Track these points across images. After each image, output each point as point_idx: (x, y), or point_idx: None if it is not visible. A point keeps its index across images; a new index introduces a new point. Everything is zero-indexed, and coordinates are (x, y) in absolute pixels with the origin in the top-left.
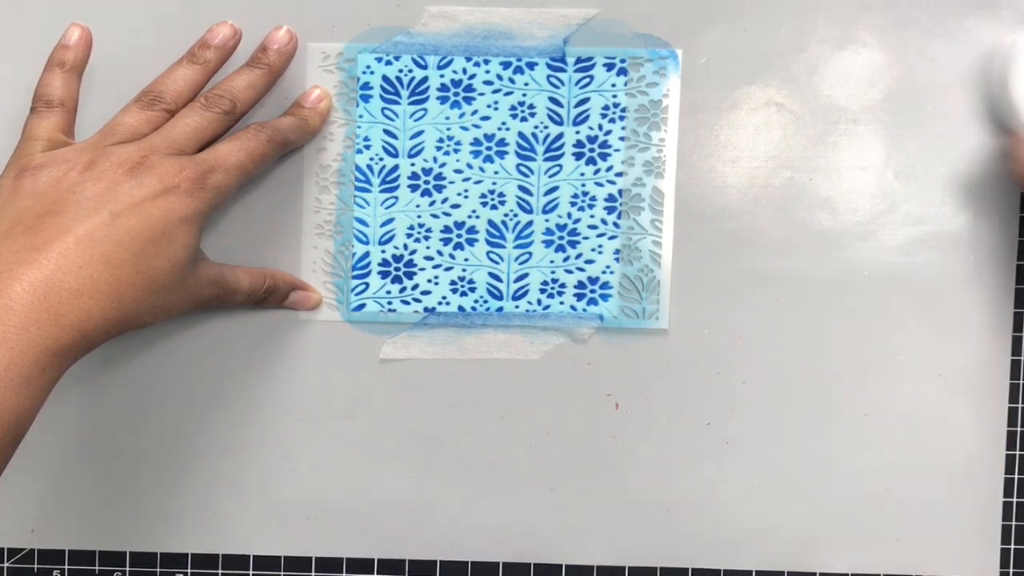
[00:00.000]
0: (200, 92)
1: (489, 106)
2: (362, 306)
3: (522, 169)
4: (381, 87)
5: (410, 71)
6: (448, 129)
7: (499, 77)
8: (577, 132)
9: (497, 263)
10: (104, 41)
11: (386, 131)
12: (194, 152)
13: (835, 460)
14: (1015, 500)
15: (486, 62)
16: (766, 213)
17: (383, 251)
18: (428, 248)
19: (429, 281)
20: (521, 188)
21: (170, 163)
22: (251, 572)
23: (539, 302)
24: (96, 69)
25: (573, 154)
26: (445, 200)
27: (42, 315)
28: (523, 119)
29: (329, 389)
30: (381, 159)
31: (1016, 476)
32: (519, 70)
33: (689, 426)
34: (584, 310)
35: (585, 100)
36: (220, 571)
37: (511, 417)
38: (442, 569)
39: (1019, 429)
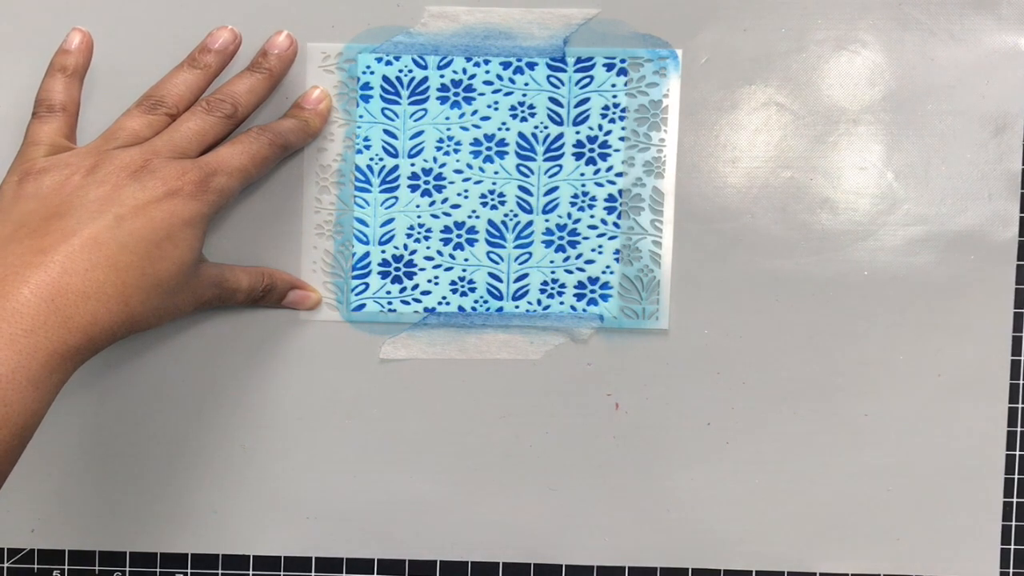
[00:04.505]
0: (201, 96)
1: (489, 106)
2: (362, 306)
3: (522, 169)
4: (381, 87)
5: (410, 71)
6: (448, 129)
7: (499, 77)
8: (577, 132)
9: (497, 263)
10: (105, 46)
11: (386, 131)
12: (196, 156)
13: (835, 460)
14: (1015, 500)
15: (486, 62)
16: (766, 213)
17: (383, 251)
18: (428, 248)
19: (429, 281)
20: (521, 188)
21: (173, 166)
22: (251, 572)
23: (539, 302)
24: (97, 73)
25: (573, 154)
26: (445, 200)
27: (50, 318)
28: (523, 119)
29: (329, 389)
30: (381, 159)
31: (1016, 476)
32: (519, 70)
33: (689, 426)
34: (584, 310)
35: (585, 100)
36: (220, 571)
37: (511, 417)
38: (442, 569)
39: (1019, 429)
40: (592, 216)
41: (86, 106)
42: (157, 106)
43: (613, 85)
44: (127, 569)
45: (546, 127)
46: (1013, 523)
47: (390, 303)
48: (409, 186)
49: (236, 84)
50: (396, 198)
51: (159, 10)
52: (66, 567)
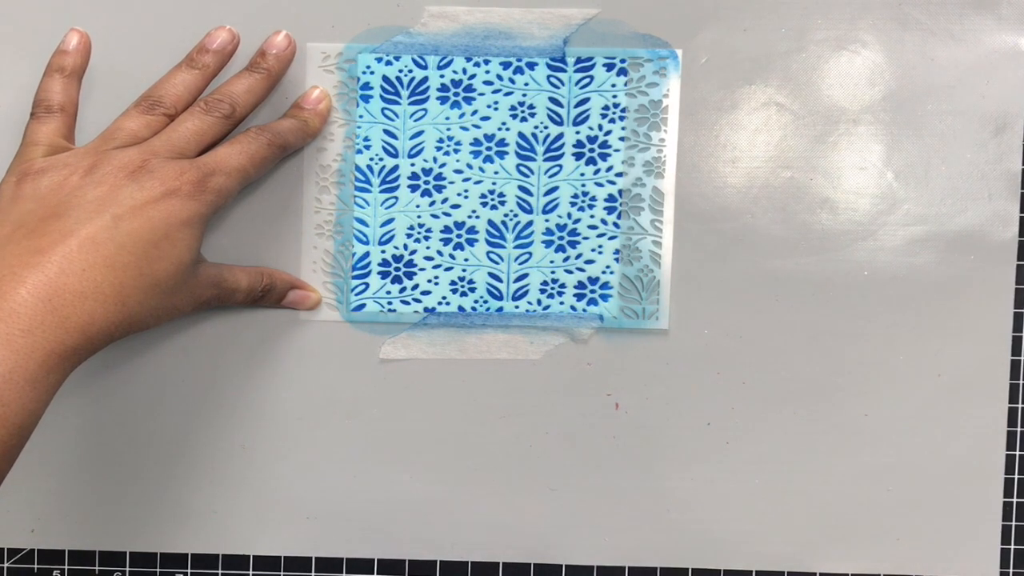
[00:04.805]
0: (199, 96)
1: (489, 106)
2: (362, 306)
3: (522, 169)
4: (381, 87)
5: (410, 71)
6: (448, 129)
7: (499, 77)
8: (577, 132)
9: (497, 263)
10: (103, 46)
11: (386, 131)
12: (194, 156)
13: (835, 460)
14: (1015, 500)
15: (486, 62)
16: (766, 213)
17: (383, 251)
18: (428, 248)
19: (429, 281)
20: (521, 188)
21: (171, 166)
22: (251, 572)
23: (539, 302)
24: (95, 74)
25: (573, 154)
26: (445, 200)
27: (47, 318)
28: (523, 119)
29: (329, 389)
30: (381, 159)
31: (1016, 476)
32: (519, 70)
33: (689, 426)
34: (584, 310)
35: (585, 100)
36: (220, 571)
37: (511, 417)
38: (442, 569)
39: (1019, 429)
40: (592, 216)
41: (84, 106)
42: (155, 106)
43: (613, 85)
44: (127, 569)
45: (546, 127)
46: (1013, 523)
47: (390, 303)
48: (409, 186)
49: (234, 84)
50: (396, 198)
51: (157, 10)
52: (66, 567)
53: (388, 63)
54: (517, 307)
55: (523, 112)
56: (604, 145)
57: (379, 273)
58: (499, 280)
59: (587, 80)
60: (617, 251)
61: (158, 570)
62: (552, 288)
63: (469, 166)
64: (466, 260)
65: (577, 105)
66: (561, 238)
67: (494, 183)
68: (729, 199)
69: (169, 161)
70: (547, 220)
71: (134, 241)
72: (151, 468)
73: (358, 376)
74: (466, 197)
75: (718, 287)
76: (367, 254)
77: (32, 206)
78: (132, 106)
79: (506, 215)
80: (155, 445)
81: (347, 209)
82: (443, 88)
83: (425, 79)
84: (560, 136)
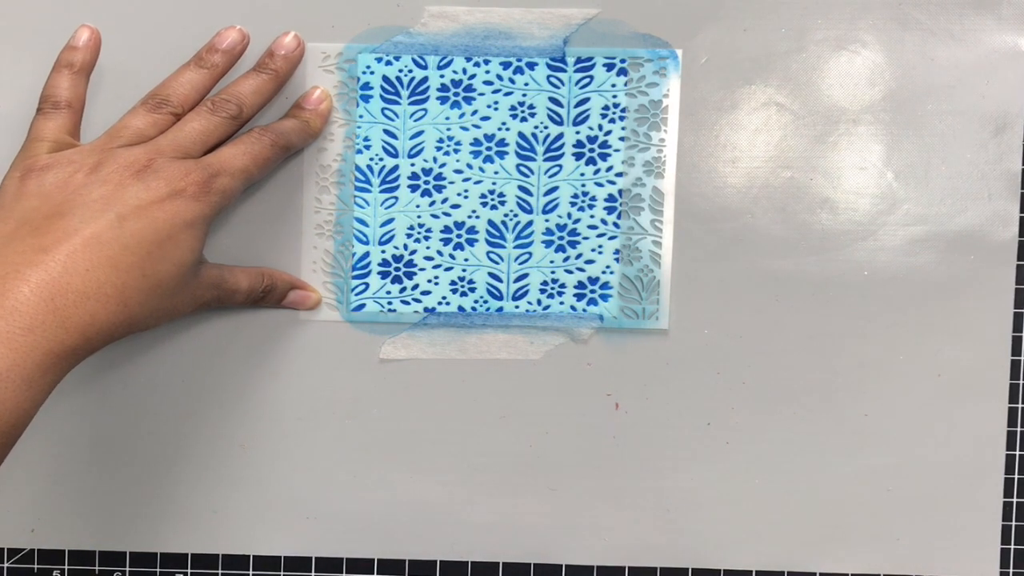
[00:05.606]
0: (207, 96)
1: (489, 106)
2: (362, 306)
3: (522, 169)
4: (381, 87)
5: (410, 71)
6: (448, 129)
7: (499, 77)
8: (577, 132)
9: (497, 263)
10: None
11: (386, 131)
12: (199, 156)
13: (835, 460)
14: (1015, 500)
15: (486, 62)
16: (766, 213)
17: (383, 251)
18: (428, 248)
19: (429, 281)
20: (521, 188)
21: (176, 167)
22: (251, 572)
23: (539, 302)
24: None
25: (573, 154)
26: (445, 200)
27: (48, 317)
28: (523, 119)
29: (329, 389)
30: (381, 159)
31: (1016, 476)
32: (519, 70)
33: (689, 426)
34: (584, 310)
35: (585, 100)
36: (220, 571)
37: (511, 417)
38: (442, 569)
39: (1019, 429)
40: (592, 216)
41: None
42: (162, 105)
43: (613, 85)
44: (127, 569)
45: (546, 127)
46: (1013, 523)
47: (390, 303)
48: (409, 186)
49: (242, 85)
50: (396, 198)
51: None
52: (66, 567)
53: (388, 63)
54: (517, 307)
55: (523, 112)
56: (604, 145)
57: (379, 273)
58: (499, 280)
59: (587, 80)
60: (617, 251)
61: (158, 570)
62: (552, 288)
63: (469, 166)
64: (466, 260)
65: (577, 105)
66: (561, 238)
67: (494, 183)
68: (729, 199)
69: (174, 161)
70: (547, 220)
71: (138, 242)
72: (151, 468)
73: (358, 376)
74: (466, 197)
75: (718, 287)
76: (367, 254)
77: (36, 203)
78: (139, 104)
79: (506, 215)
80: (155, 445)
81: (347, 209)
82: (443, 88)
83: (425, 79)
84: (560, 136)
